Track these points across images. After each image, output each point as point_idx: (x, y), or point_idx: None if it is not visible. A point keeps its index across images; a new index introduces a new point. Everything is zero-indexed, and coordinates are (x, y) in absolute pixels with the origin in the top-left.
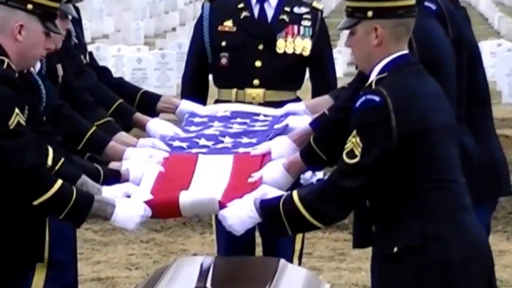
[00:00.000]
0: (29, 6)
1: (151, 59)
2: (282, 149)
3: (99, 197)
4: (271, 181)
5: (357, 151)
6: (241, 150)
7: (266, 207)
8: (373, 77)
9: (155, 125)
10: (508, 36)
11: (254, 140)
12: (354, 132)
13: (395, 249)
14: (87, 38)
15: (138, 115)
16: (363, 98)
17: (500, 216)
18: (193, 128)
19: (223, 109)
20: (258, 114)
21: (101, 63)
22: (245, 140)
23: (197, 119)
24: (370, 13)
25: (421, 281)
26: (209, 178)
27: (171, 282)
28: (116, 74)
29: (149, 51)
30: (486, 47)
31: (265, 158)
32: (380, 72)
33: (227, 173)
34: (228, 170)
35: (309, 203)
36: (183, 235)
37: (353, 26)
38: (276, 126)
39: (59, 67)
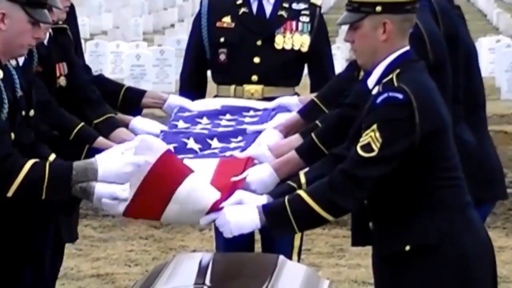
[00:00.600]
0: None
1: (150, 56)
2: (271, 141)
3: (76, 164)
4: (258, 180)
5: (375, 146)
6: (228, 153)
7: (270, 209)
8: (378, 72)
9: (140, 122)
10: (507, 32)
11: (242, 144)
12: (374, 126)
13: (407, 247)
14: (86, 35)
15: (120, 117)
16: (385, 95)
17: (500, 212)
18: (181, 123)
19: (213, 104)
20: (249, 110)
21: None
22: (233, 144)
23: (186, 114)
24: (379, 8)
25: (439, 279)
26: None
27: (170, 278)
28: (114, 70)
29: (148, 47)
30: (485, 43)
31: (249, 162)
32: (389, 68)
33: (210, 174)
34: (211, 172)
35: (320, 195)
36: (182, 231)
37: (359, 21)
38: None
39: (61, 66)
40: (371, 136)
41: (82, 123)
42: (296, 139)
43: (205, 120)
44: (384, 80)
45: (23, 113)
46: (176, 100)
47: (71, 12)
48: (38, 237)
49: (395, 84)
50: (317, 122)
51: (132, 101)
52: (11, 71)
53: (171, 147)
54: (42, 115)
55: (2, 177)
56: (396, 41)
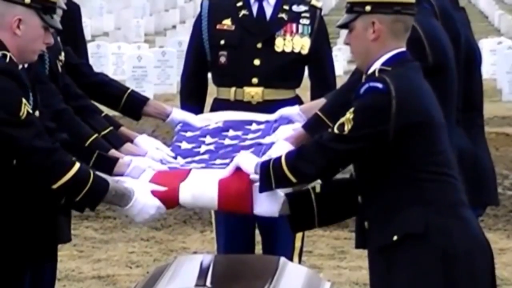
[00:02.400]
0: (27, 1)
1: (152, 57)
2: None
3: (116, 186)
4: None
5: (346, 127)
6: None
7: (262, 163)
8: (374, 68)
9: (144, 142)
10: (509, 33)
11: (259, 133)
12: (352, 109)
13: (395, 237)
14: (87, 36)
15: (124, 131)
16: (366, 85)
17: (501, 214)
18: (184, 144)
19: (216, 120)
20: (251, 123)
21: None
22: (250, 136)
23: (189, 134)
24: (368, 8)
25: (423, 267)
26: (203, 176)
27: (171, 280)
28: (116, 71)
29: (149, 48)
30: (486, 44)
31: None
32: (381, 67)
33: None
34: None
35: (290, 158)
36: (183, 233)
37: (352, 21)
38: (264, 141)
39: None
40: (347, 118)
41: (96, 135)
42: (322, 103)
43: (208, 139)
44: (368, 73)
45: None
46: (179, 115)
47: (77, 13)
48: (37, 239)
49: (376, 75)
50: (319, 113)
51: (134, 106)
52: (26, 84)
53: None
54: (58, 124)
55: (54, 167)
56: (388, 42)
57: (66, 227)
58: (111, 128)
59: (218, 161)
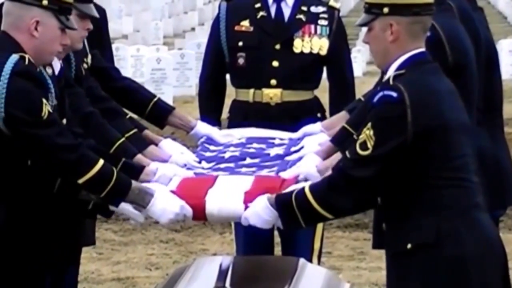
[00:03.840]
0: (44, 2)
1: (170, 59)
2: (310, 165)
3: (138, 185)
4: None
5: (370, 144)
6: (263, 172)
7: (280, 201)
8: (390, 73)
9: (169, 146)
10: None
11: (274, 169)
12: (369, 125)
13: (409, 246)
14: None
15: (148, 134)
16: (380, 94)
17: None
18: (208, 154)
19: (238, 136)
20: (274, 138)
21: (120, 63)
22: (264, 171)
23: (212, 147)
24: (386, 10)
25: (435, 278)
26: (230, 185)
27: (190, 282)
28: (135, 74)
29: (168, 51)
30: (505, 45)
31: (285, 182)
32: (398, 69)
33: (246, 186)
34: (248, 185)
35: (319, 194)
36: (202, 234)
37: (370, 22)
38: (292, 153)
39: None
40: (366, 135)
41: (123, 139)
42: (338, 157)
43: (232, 149)
44: (383, 80)
45: None
46: (204, 129)
47: (102, 17)
48: (59, 243)
49: (391, 83)
50: (345, 125)
51: (159, 115)
52: (47, 79)
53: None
54: (85, 128)
55: (80, 162)
56: (405, 43)
57: (90, 230)
58: (135, 130)
59: (244, 169)
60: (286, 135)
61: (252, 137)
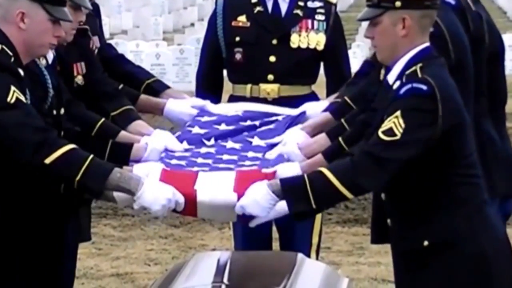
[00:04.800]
0: None
1: (170, 55)
2: (295, 140)
3: (121, 170)
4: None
5: (398, 131)
6: (247, 163)
7: (287, 183)
8: (398, 68)
9: (174, 105)
10: None
11: (257, 162)
12: (398, 113)
13: (426, 243)
14: (106, 34)
15: (150, 100)
16: (408, 86)
17: None
18: (195, 129)
19: (235, 109)
20: (271, 115)
21: None
22: (250, 154)
23: (205, 118)
24: (398, 3)
25: (456, 276)
26: (214, 180)
27: (189, 277)
28: None
29: (168, 46)
30: (505, 40)
31: (269, 176)
32: (409, 63)
33: (231, 184)
34: (231, 182)
35: (343, 174)
36: (201, 230)
37: (378, 16)
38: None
39: (79, 65)
40: (394, 122)
41: (103, 119)
42: (323, 138)
43: (223, 126)
44: (407, 72)
45: (54, 112)
46: (199, 101)
47: (97, 12)
48: (56, 237)
49: (419, 75)
50: (342, 121)
51: (153, 93)
52: (42, 70)
53: (183, 163)
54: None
55: (45, 142)
56: (416, 37)
57: (86, 226)
58: (124, 108)
59: (225, 157)
60: (285, 111)
61: (249, 111)
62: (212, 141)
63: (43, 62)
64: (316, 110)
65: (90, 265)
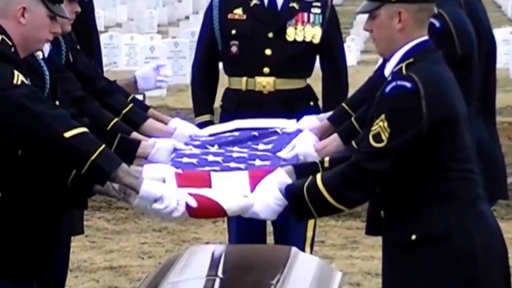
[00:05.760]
0: None
1: (164, 48)
2: (310, 142)
3: (127, 168)
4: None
5: (384, 136)
6: (257, 162)
7: (291, 191)
8: (394, 62)
9: (177, 123)
10: None
11: (268, 162)
12: (383, 116)
13: (414, 237)
14: (100, 27)
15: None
16: (393, 84)
17: None
18: (189, 147)
19: (228, 128)
20: (267, 128)
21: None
22: (261, 147)
23: (196, 143)
24: None
25: (443, 270)
26: (228, 182)
27: (183, 270)
28: (129, 62)
29: (162, 39)
30: (499, 34)
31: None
32: (404, 57)
33: (246, 184)
34: (246, 182)
35: (333, 187)
36: (195, 223)
37: (375, 10)
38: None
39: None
40: (380, 126)
41: (116, 119)
42: (336, 139)
43: (215, 148)
44: (395, 69)
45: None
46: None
47: (89, 4)
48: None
49: (404, 72)
50: (352, 119)
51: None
52: (40, 62)
53: (194, 161)
54: (79, 110)
55: (58, 117)
56: (412, 31)
57: (78, 219)
58: (131, 105)
59: (232, 164)
60: (279, 123)
61: (241, 129)
62: (216, 147)
63: (40, 55)
64: (311, 123)
65: (84, 258)
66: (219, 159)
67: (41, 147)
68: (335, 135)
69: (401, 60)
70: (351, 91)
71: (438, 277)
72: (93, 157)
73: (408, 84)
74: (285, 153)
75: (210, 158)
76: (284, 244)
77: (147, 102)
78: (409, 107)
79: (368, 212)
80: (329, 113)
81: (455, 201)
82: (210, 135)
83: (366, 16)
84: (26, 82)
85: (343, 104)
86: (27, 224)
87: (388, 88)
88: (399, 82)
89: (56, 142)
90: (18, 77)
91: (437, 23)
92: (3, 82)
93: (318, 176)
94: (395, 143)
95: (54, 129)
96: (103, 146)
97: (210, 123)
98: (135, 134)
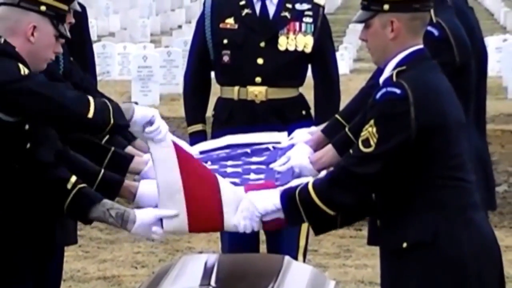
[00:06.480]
0: (42, 8)
1: (157, 57)
2: (305, 154)
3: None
4: (299, 165)
5: (372, 141)
6: (252, 176)
7: (285, 196)
8: (389, 70)
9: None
10: None
11: (262, 176)
12: (372, 121)
13: (405, 245)
14: (93, 36)
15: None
16: (383, 90)
17: (506, 211)
18: None
19: (219, 144)
20: (258, 144)
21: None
22: (254, 159)
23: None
24: (386, 6)
25: (433, 277)
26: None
27: (176, 279)
28: (122, 71)
29: (155, 48)
30: (492, 42)
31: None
32: (398, 65)
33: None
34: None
35: (321, 191)
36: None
37: (369, 19)
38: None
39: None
40: (369, 131)
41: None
42: (331, 149)
43: (209, 164)
44: (386, 76)
45: None
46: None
47: (83, 15)
48: (43, 239)
49: (394, 79)
50: (346, 130)
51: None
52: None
53: None
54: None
55: (75, 98)
56: (406, 39)
57: (72, 229)
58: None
59: (229, 170)
60: (270, 137)
61: (233, 145)
62: (209, 163)
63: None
64: (303, 137)
65: (77, 268)
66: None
67: (64, 127)
68: (329, 146)
69: (395, 69)
70: (344, 100)
71: (428, 285)
72: (111, 123)
73: (397, 91)
74: (279, 165)
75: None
76: (277, 253)
77: None
78: (398, 113)
79: (369, 222)
80: (321, 126)
81: (444, 209)
82: (201, 152)
83: (359, 24)
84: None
85: (337, 116)
86: (20, 232)
87: (378, 94)
88: (389, 89)
89: (83, 125)
90: (24, 69)
91: (435, 32)
92: (13, 74)
93: (310, 180)
94: (383, 148)
95: (79, 113)
96: (111, 107)
97: (202, 132)
98: (130, 149)
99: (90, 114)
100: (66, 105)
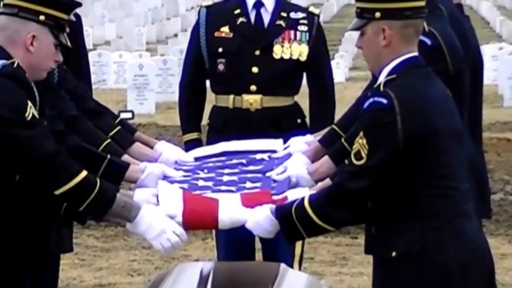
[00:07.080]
0: (42, 17)
1: (153, 65)
2: (303, 164)
3: (125, 199)
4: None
5: (364, 153)
6: (248, 185)
7: (280, 213)
8: (382, 78)
9: (163, 146)
10: (510, 39)
11: (258, 184)
12: (361, 133)
13: (394, 254)
14: (89, 45)
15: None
16: (371, 100)
17: (502, 219)
18: (181, 173)
19: (215, 151)
20: (254, 152)
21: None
22: (248, 184)
23: (185, 167)
24: (378, 14)
25: (421, 286)
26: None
27: (172, 287)
28: (118, 80)
29: (151, 57)
30: (488, 50)
31: (278, 202)
32: (390, 73)
33: (237, 199)
34: (238, 203)
35: (318, 207)
36: None
37: (363, 27)
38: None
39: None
40: (360, 144)
41: (109, 140)
42: (327, 161)
43: (205, 173)
44: (375, 85)
45: None
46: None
47: (78, 23)
48: (39, 247)
49: (381, 89)
50: (342, 140)
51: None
52: (32, 84)
53: (185, 186)
54: (71, 130)
55: (58, 172)
56: (398, 47)
57: (67, 237)
58: (118, 128)
59: (223, 187)
60: (265, 145)
61: (229, 152)
62: (206, 171)
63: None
64: (300, 147)
65: (73, 276)
66: (209, 183)
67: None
68: (326, 157)
69: (387, 77)
70: (339, 108)
71: None
72: (81, 208)
73: (384, 100)
74: (276, 175)
75: (201, 183)
76: (273, 260)
77: (136, 120)
78: (384, 123)
79: (365, 231)
80: (317, 135)
81: (433, 218)
82: (196, 159)
83: (354, 33)
84: (36, 114)
85: (333, 126)
86: (15, 242)
87: (366, 104)
88: (376, 98)
89: (48, 195)
90: (30, 110)
91: (428, 41)
92: (16, 114)
93: (306, 196)
94: (374, 159)
95: (49, 185)
96: (94, 193)
97: (197, 141)
98: (126, 157)
99: (59, 192)
100: (43, 171)
